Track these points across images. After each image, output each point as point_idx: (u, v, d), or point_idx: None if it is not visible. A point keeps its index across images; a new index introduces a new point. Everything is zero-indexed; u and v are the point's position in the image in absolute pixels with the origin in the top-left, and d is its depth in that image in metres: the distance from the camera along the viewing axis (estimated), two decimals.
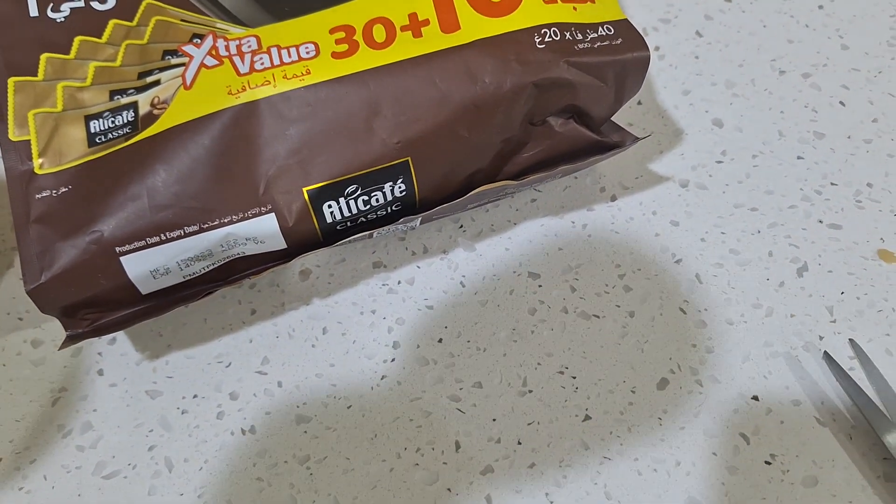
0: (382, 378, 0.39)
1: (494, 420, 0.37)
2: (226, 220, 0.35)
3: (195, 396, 0.38)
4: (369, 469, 0.36)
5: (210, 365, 0.39)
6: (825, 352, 0.38)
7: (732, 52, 0.49)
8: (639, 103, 0.47)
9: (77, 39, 0.37)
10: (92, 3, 0.38)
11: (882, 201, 0.43)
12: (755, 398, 0.38)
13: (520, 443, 0.37)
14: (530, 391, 0.38)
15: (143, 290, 0.35)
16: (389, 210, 0.38)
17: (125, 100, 0.35)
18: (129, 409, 0.38)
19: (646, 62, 0.41)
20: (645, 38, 0.42)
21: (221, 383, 0.39)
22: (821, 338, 0.39)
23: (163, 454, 0.37)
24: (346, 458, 0.37)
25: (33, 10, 0.38)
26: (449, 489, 0.36)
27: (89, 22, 0.37)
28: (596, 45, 0.39)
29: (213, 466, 0.36)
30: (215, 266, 0.36)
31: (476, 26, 0.37)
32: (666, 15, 0.49)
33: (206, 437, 0.37)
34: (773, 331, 0.40)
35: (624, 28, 0.41)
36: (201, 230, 0.34)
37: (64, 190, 0.34)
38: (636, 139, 0.41)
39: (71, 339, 0.35)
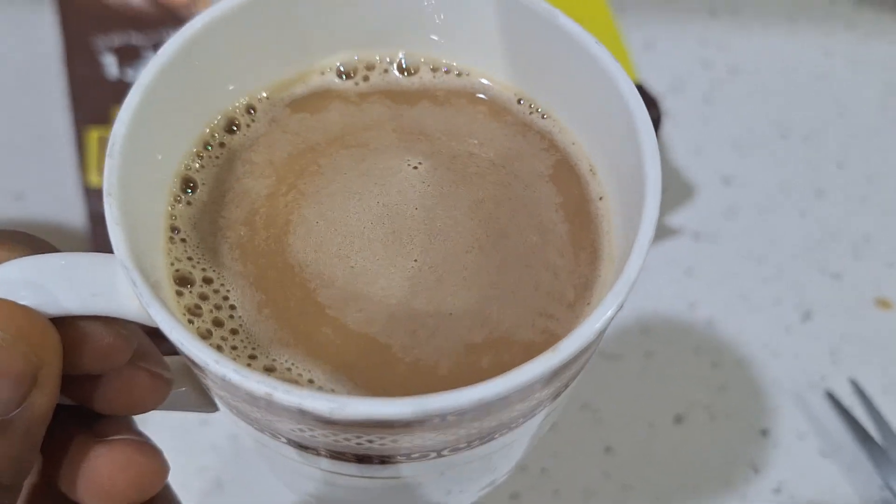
0: None
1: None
2: None
3: None
4: None
5: None
6: (827, 391, 0.42)
7: (738, 117, 0.53)
8: None
9: None
10: None
11: (878, 254, 0.47)
12: (764, 432, 0.41)
13: (545, 471, 0.40)
14: (555, 424, 0.41)
15: None
16: None
17: None
18: None
19: (657, 121, 0.45)
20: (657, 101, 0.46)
21: None
22: (823, 377, 0.43)
23: None
24: None
25: (114, 73, 0.42)
26: None
27: None
28: None
29: None
30: None
31: None
32: (675, 84, 0.54)
33: None
34: (780, 371, 0.43)
35: (639, 91, 0.46)
36: None
37: None
38: None
39: None
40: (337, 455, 0.19)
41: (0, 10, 0.53)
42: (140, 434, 0.22)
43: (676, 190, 0.50)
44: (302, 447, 0.19)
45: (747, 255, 0.47)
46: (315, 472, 0.21)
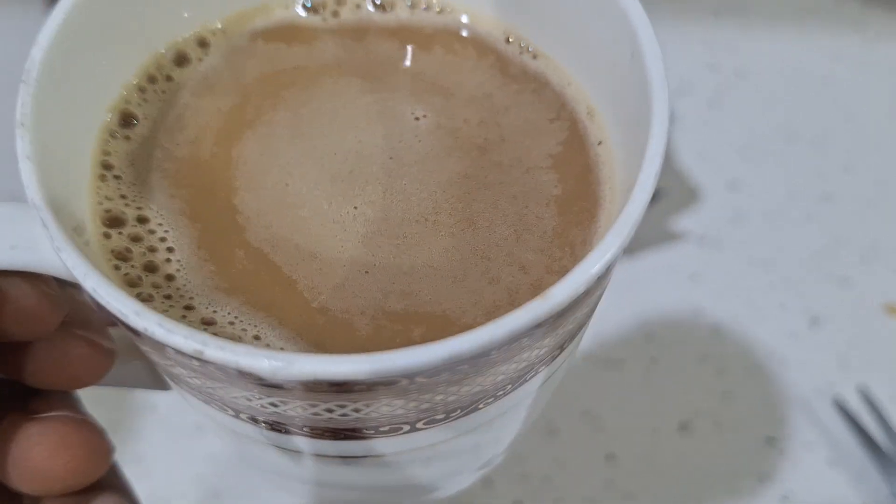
0: None
1: (524, 457, 0.40)
2: None
3: None
4: None
5: None
6: (835, 398, 0.41)
7: (744, 121, 0.52)
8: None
9: None
10: None
11: (886, 259, 0.46)
12: (770, 441, 0.40)
13: (547, 478, 0.39)
14: (558, 431, 0.41)
15: None
16: None
17: None
18: None
19: None
20: None
21: None
22: (830, 385, 0.42)
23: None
24: None
25: None
26: None
27: None
28: None
29: None
30: None
31: None
32: (680, 88, 0.53)
33: None
34: (787, 378, 0.42)
35: None
36: None
37: None
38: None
39: None
40: (297, 431, 0.17)
41: None
42: (81, 412, 0.20)
43: (681, 194, 0.49)
44: (257, 422, 0.17)
45: (753, 260, 0.46)
46: (290, 465, 0.19)
